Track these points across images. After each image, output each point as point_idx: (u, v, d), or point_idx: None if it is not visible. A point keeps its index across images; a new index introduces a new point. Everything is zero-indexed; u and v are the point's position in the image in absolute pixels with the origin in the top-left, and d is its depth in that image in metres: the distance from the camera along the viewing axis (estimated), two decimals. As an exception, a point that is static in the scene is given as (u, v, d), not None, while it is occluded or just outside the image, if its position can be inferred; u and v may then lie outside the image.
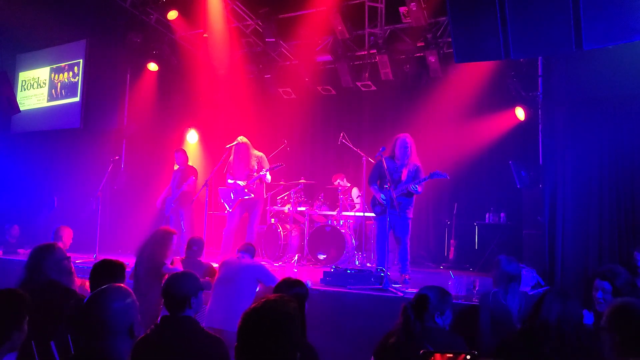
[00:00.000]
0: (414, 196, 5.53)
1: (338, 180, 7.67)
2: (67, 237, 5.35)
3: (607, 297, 3.09)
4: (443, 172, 5.26)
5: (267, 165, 6.75)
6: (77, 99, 8.67)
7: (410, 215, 5.55)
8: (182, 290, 2.67)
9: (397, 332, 2.63)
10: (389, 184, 5.12)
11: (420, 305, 2.69)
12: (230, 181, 6.76)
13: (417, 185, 5.31)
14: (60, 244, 4.97)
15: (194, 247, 4.82)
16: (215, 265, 4.80)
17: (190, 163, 7.73)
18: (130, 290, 2.04)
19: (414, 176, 5.43)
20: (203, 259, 5.33)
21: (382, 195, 5.36)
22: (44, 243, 3.43)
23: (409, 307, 2.64)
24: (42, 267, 3.19)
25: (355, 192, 7.66)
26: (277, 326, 1.60)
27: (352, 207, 7.48)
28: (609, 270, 3.19)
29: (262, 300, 1.71)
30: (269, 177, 6.74)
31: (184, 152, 7.59)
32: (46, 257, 3.23)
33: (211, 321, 4.08)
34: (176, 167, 7.60)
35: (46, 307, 2.80)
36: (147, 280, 4.31)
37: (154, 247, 4.47)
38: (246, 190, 6.60)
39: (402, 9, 6.90)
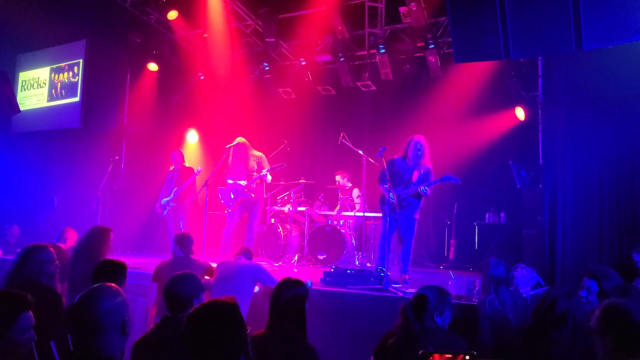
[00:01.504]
0: (422, 198, 5.52)
1: (339, 177, 7.66)
2: (71, 239, 5.33)
3: (591, 297, 3.02)
4: (455, 176, 5.23)
5: (266, 165, 6.74)
6: (77, 99, 8.66)
7: (417, 216, 5.55)
8: (185, 291, 2.66)
9: (396, 332, 2.63)
10: (388, 184, 5.11)
11: (419, 305, 2.68)
12: (230, 181, 6.75)
13: (426, 188, 5.30)
14: (62, 246, 4.99)
15: (190, 244, 4.54)
16: (213, 265, 4.78)
17: (189, 163, 7.74)
18: (121, 290, 2.05)
19: (424, 178, 5.42)
20: (202, 258, 5.32)
21: (391, 195, 5.36)
22: (36, 243, 3.42)
23: (408, 307, 2.64)
24: (24, 267, 3.21)
25: (355, 192, 7.66)
26: (217, 325, 1.75)
27: (352, 207, 7.48)
28: (600, 271, 3.12)
29: (202, 303, 1.86)
30: (269, 177, 6.74)
31: (181, 153, 7.61)
32: (30, 257, 3.24)
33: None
34: (171, 167, 7.60)
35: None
36: (85, 279, 3.91)
37: (93, 245, 4.26)
38: (246, 190, 6.60)
39: (402, 9, 6.90)
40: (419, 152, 5.45)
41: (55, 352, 2.69)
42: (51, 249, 3.39)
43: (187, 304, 2.61)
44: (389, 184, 5.11)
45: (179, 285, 2.69)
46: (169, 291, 2.68)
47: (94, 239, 4.30)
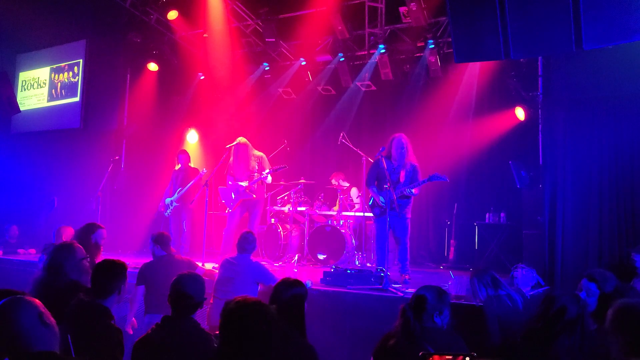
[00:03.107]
0: (412, 196, 5.53)
1: (334, 180, 7.67)
2: (67, 237, 5.32)
3: (591, 300, 3.02)
4: (442, 175, 5.21)
5: (267, 166, 6.72)
6: (77, 99, 8.67)
7: (409, 215, 5.54)
8: (200, 295, 2.66)
9: (396, 333, 2.62)
10: (388, 184, 5.10)
11: (418, 306, 2.68)
12: (230, 183, 6.75)
13: (412, 189, 5.31)
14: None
15: (169, 242, 4.47)
16: (212, 265, 4.77)
17: (190, 164, 7.74)
18: (33, 299, 1.99)
19: (412, 176, 5.42)
20: (203, 259, 5.30)
21: (382, 198, 5.35)
22: (64, 243, 3.39)
23: (407, 308, 2.63)
24: (64, 268, 3.16)
25: (354, 192, 7.66)
26: (257, 323, 1.74)
27: (351, 207, 7.48)
28: (599, 273, 3.12)
29: (241, 299, 1.83)
30: (269, 178, 6.73)
31: (187, 153, 7.61)
32: (68, 257, 3.21)
33: (213, 321, 4.09)
34: (177, 167, 7.61)
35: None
36: None
37: (79, 240, 4.09)
38: (247, 190, 6.59)
39: (402, 9, 6.90)
40: (402, 150, 5.43)
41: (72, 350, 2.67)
42: (79, 245, 3.36)
43: (197, 307, 2.60)
44: (388, 184, 5.10)
45: (193, 288, 2.65)
46: (182, 292, 2.63)
47: (83, 233, 4.22)
